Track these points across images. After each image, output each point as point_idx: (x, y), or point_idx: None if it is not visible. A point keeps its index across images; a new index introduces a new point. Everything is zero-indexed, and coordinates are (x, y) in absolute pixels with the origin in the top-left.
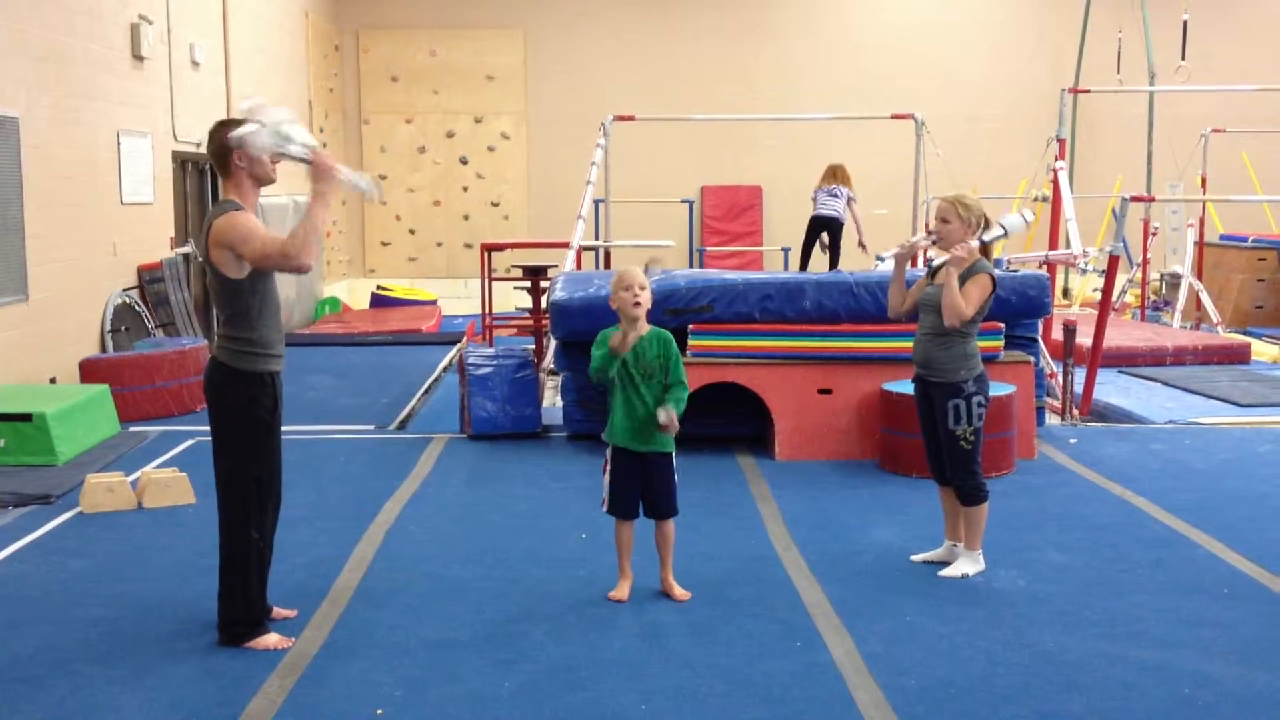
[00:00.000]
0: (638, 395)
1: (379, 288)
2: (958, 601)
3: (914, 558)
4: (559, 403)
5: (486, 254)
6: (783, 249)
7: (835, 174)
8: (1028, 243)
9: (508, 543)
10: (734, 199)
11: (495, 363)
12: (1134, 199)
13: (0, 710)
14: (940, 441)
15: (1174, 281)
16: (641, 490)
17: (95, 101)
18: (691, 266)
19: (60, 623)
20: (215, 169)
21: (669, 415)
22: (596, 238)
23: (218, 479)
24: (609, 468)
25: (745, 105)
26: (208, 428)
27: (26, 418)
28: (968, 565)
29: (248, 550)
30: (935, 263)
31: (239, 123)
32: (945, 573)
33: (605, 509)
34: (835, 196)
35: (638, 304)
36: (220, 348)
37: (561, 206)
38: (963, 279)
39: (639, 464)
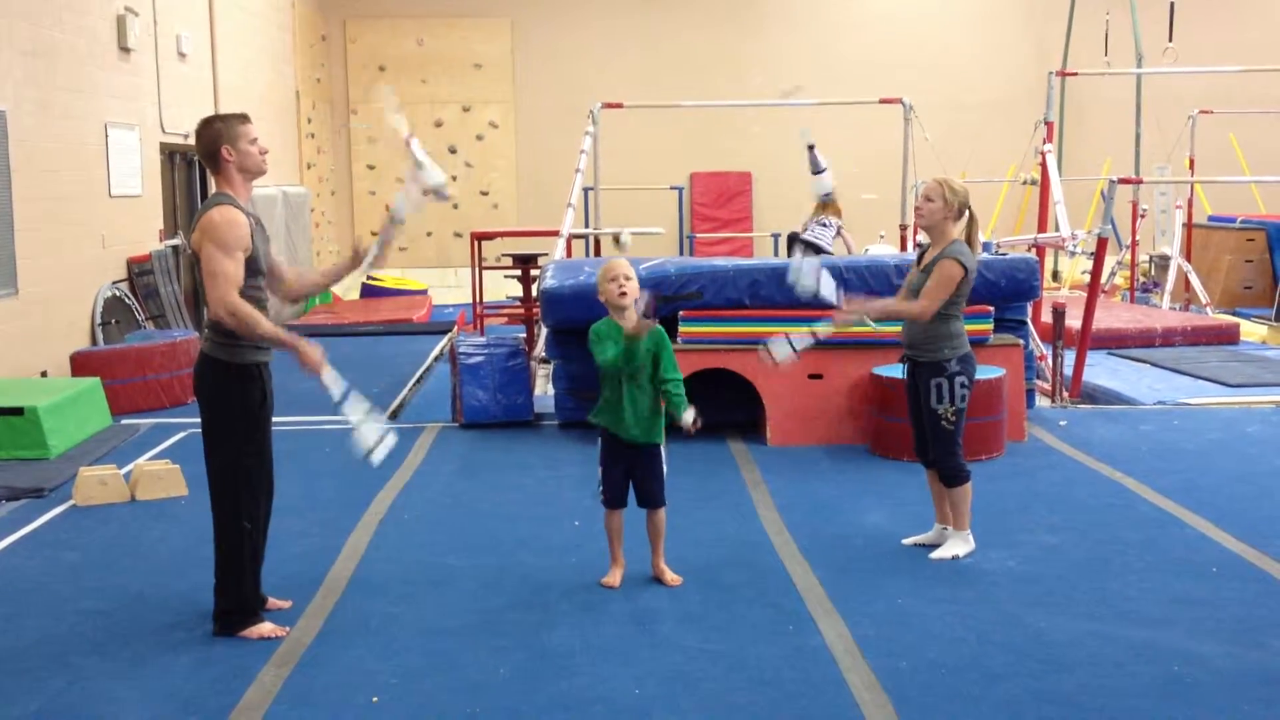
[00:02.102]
0: (627, 390)
1: (369, 278)
2: (949, 583)
3: (905, 541)
4: (550, 391)
5: (476, 243)
6: (773, 235)
7: (827, 207)
8: (1017, 225)
9: (500, 531)
10: (723, 185)
11: (486, 351)
12: (1122, 181)
13: None
14: (925, 422)
15: (1163, 263)
16: (629, 479)
17: (82, 94)
18: (681, 253)
19: (56, 615)
20: (205, 165)
21: (690, 420)
22: (586, 225)
23: (209, 472)
24: (601, 455)
25: (733, 92)
26: (199, 420)
27: (18, 411)
28: (958, 546)
29: (240, 541)
30: (918, 249)
31: (225, 119)
32: (936, 555)
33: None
34: (825, 226)
35: (624, 294)
36: (207, 340)
37: (551, 195)
38: (932, 263)
39: (627, 452)
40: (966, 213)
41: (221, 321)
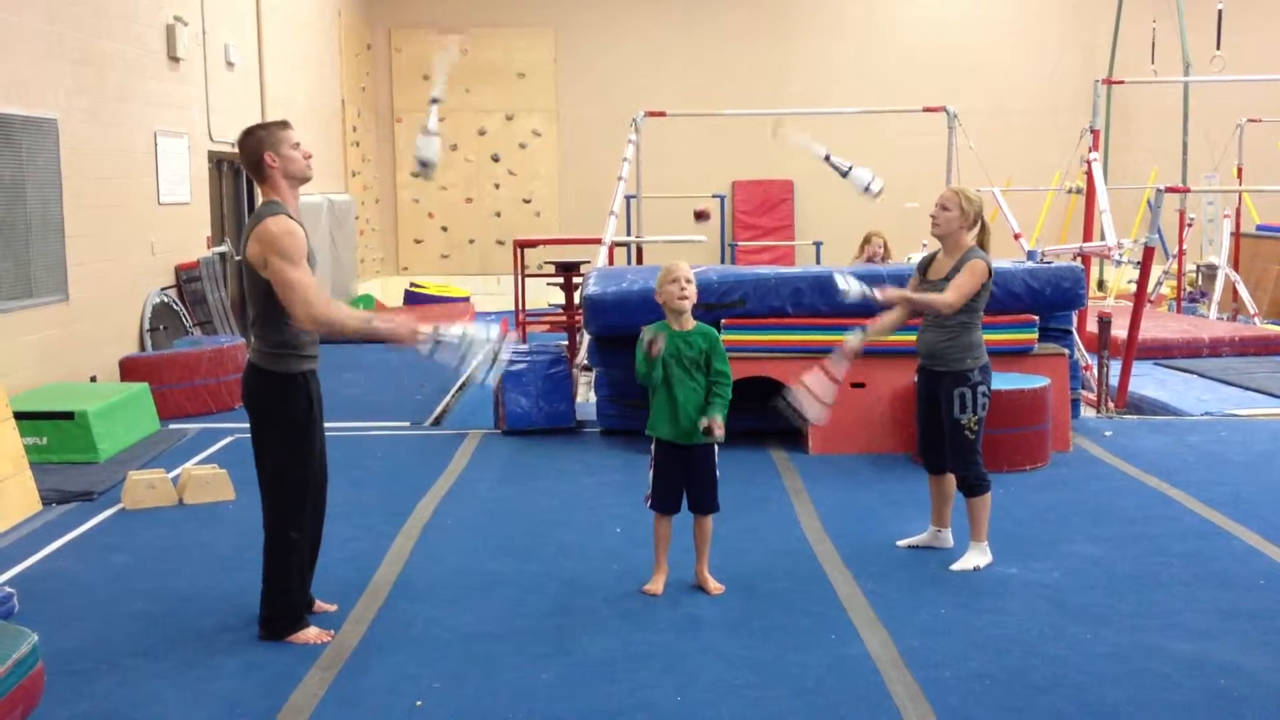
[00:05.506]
0: (681, 391)
1: (412, 285)
2: (992, 594)
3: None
4: (592, 398)
5: (519, 250)
6: (815, 243)
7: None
8: (1063, 234)
9: (543, 537)
10: (765, 193)
11: (529, 359)
12: (1169, 190)
13: (48, 703)
14: (941, 431)
15: (1210, 273)
16: (684, 484)
17: (132, 103)
18: (723, 262)
19: (104, 617)
20: (250, 175)
21: (711, 422)
22: (628, 233)
23: (259, 479)
24: (653, 462)
25: (775, 100)
26: (246, 424)
27: (68, 416)
28: (977, 558)
29: (288, 548)
30: (923, 257)
31: (265, 127)
32: (956, 566)
33: (648, 504)
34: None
35: (684, 297)
36: (253, 350)
37: (593, 203)
38: (956, 267)
39: (681, 457)
40: (980, 222)
41: (307, 330)
